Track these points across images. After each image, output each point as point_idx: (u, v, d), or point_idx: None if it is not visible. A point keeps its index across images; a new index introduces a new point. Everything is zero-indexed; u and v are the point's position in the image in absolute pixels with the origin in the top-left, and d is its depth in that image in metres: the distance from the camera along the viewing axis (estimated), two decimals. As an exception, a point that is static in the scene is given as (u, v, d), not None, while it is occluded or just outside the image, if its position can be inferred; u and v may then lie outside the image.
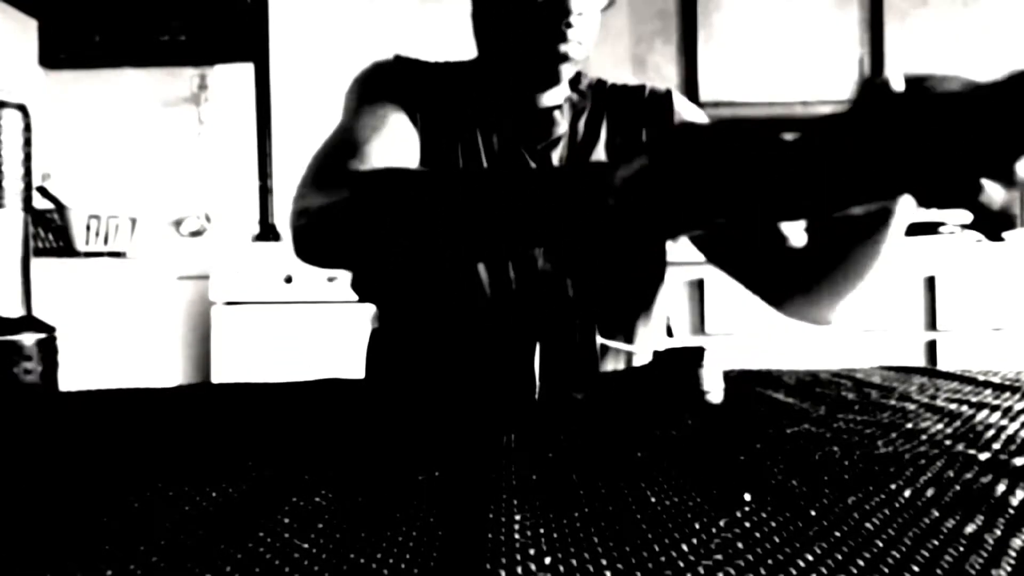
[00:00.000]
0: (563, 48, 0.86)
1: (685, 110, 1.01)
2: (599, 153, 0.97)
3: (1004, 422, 0.50)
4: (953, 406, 0.57)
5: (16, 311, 0.52)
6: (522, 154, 0.95)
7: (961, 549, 0.26)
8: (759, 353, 2.19)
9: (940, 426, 0.49)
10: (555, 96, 0.96)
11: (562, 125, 0.96)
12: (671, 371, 0.55)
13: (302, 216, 0.76)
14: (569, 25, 0.84)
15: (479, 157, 0.95)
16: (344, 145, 0.86)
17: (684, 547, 0.27)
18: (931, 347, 2.25)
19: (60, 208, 2.31)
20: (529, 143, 0.95)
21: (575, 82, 1.00)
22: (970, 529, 0.28)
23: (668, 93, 1.02)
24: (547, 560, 0.26)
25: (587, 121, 0.99)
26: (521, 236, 0.64)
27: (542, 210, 0.60)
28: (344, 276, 2.23)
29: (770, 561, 0.25)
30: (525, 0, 0.85)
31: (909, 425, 0.49)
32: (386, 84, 0.95)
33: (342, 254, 0.78)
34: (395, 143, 0.88)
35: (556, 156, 0.96)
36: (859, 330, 2.21)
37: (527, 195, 0.61)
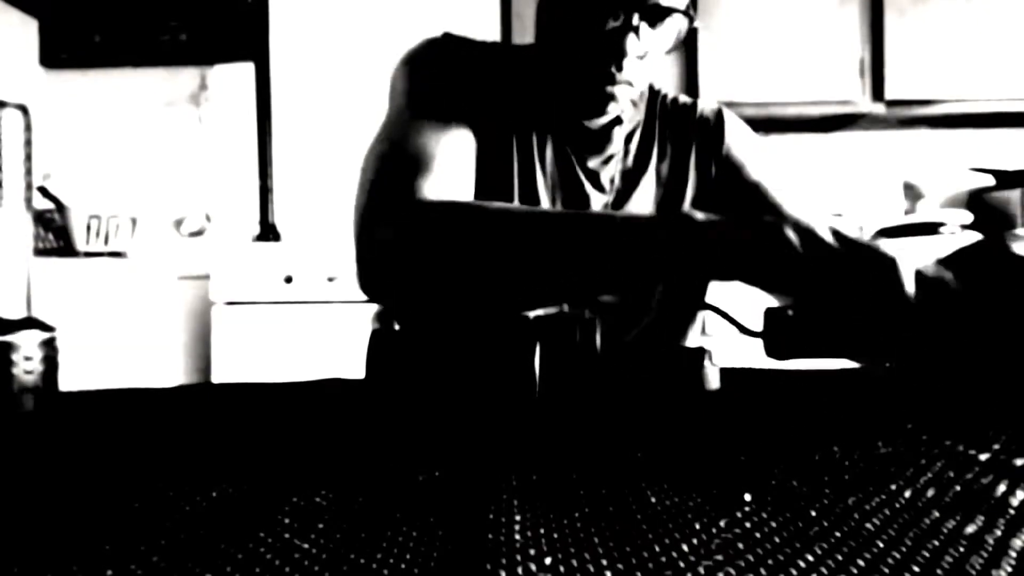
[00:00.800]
0: (610, 89, 0.83)
1: (735, 136, 0.98)
2: (649, 176, 0.95)
3: (1004, 422, 0.50)
4: (954, 405, 0.57)
5: (17, 311, 0.52)
6: (576, 169, 0.93)
7: (961, 549, 0.26)
8: (759, 353, 2.18)
9: (940, 426, 0.49)
10: (612, 110, 0.93)
11: (616, 142, 0.94)
12: (677, 369, 0.55)
13: (372, 249, 0.74)
14: (620, 68, 0.81)
15: (533, 163, 0.93)
16: (408, 162, 0.81)
17: (684, 547, 0.27)
18: (931, 347, 2.25)
19: (60, 208, 2.31)
20: (582, 157, 0.94)
21: None
22: (970, 529, 0.28)
23: (719, 118, 0.98)
24: (547, 560, 0.26)
25: (640, 141, 0.97)
26: (596, 287, 0.68)
27: (618, 265, 0.64)
28: (345, 275, 2.23)
29: (770, 561, 0.25)
30: (584, 33, 0.82)
31: (909, 425, 0.49)
32: (441, 75, 0.89)
33: (412, 292, 0.75)
34: (458, 157, 0.84)
35: (607, 174, 0.94)
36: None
37: (604, 246, 0.64)
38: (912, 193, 2.75)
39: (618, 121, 0.93)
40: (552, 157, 0.93)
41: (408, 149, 0.81)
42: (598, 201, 0.93)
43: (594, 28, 0.81)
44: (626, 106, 0.88)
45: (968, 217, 2.51)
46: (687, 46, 2.62)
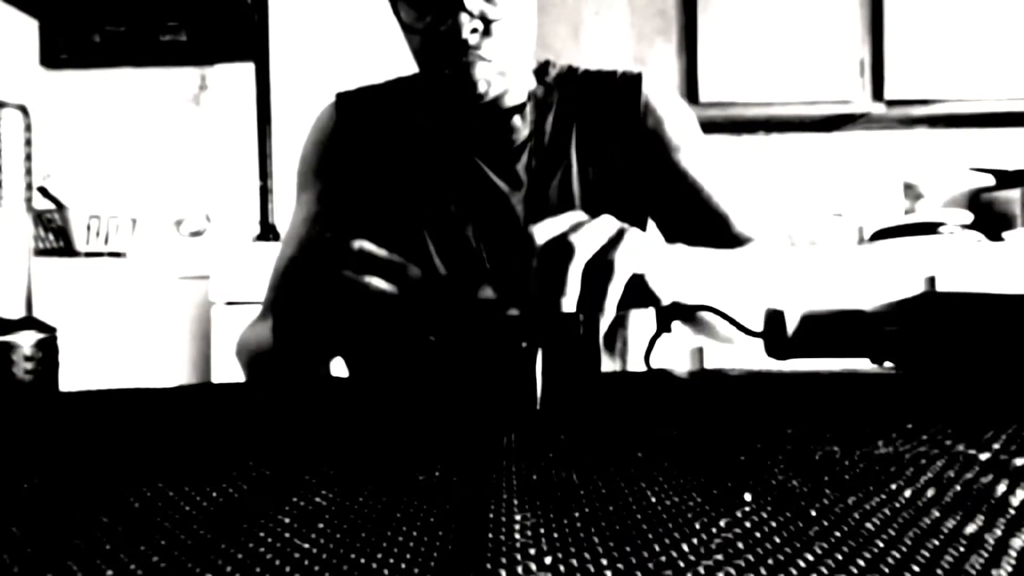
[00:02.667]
0: (473, 75, 0.78)
1: (660, 110, 0.91)
2: (571, 154, 0.90)
3: (1004, 422, 0.50)
4: (954, 405, 0.57)
5: (16, 311, 0.52)
6: (479, 168, 0.89)
7: (961, 549, 0.26)
8: (759, 353, 2.18)
9: (940, 426, 0.49)
10: (512, 97, 0.89)
11: (524, 130, 0.90)
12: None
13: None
14: (460, 44, 0.76)
15: (438, 176, 0.90)
16: (277, 275, 0.99)
17: (684, 547, 0.27)
18: (931, 347, 2.25)
19: (60, 208, 2.31)
20: (488, 154, 0.89)
21: (541, 74, 0.93)
22: (970, 529, 0.28)
23: (638, 78, 0.91)
24: (547, 560, 0.26)
25: (555, 119, 0.91)
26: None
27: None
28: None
29: (770, 561, 0.25)
30: (421, 17, 0.78)
31: (909, 425, 0.49)
32: (322, 162, 0.99)
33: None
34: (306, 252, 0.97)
35: (521, 165, 0.89)
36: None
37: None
38: (912, 193, 2.74)
39: (517, 110, 0.88)
40: (462, 172, 0.90)
41: (279, 266, 1.00)
42: (516, 196, 0.89)
43: (425, 12, 0.78)
44: (500, 83, 0.83)
45: (968, 217, 2.51)
46: (687, 46, 2.62)
